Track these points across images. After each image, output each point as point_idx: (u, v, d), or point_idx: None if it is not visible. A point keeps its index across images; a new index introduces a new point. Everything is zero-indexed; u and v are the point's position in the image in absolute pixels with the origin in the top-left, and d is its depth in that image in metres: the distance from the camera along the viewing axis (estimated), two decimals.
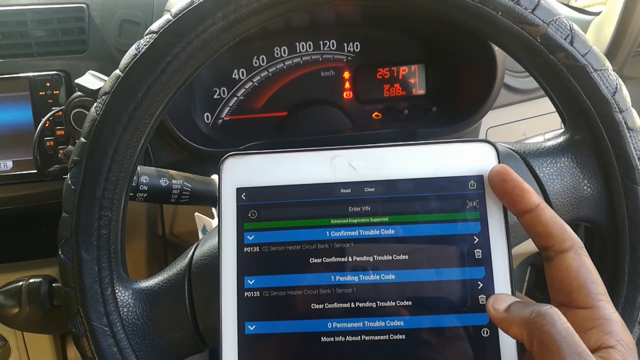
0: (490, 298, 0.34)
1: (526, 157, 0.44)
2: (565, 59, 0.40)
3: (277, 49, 0.81)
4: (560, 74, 0.41)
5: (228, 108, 0.82)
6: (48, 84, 0.71)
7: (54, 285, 0.54)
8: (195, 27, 0.39)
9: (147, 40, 0.40)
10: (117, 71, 0.40)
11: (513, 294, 0.36)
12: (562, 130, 0.45)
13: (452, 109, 0.80)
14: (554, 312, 0.30)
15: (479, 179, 0.37)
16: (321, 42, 0.81)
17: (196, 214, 0.67)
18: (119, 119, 0.39)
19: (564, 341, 0.29)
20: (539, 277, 1.11)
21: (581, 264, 0.34)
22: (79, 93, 0.62)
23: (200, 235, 0.67)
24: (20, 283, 0.54)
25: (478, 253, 0.36)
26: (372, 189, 0.37)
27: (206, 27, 0.39)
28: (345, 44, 0.82)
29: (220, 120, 0.82)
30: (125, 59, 0.40)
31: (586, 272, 0.33)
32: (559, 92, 0.43)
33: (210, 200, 0.58)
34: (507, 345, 0.35)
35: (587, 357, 0.29)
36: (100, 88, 0.56)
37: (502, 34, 0.41)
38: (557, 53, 0.40)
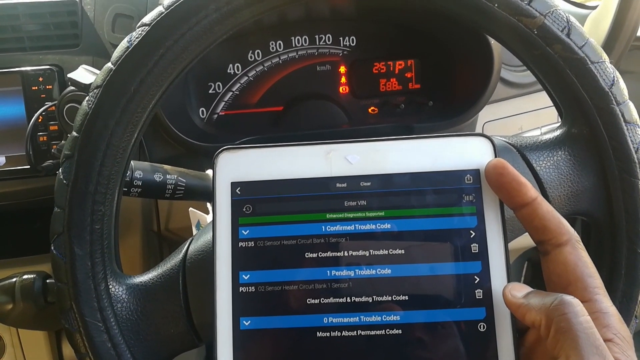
0: (508, 285, 0.34)
1: (523, 150, 0.44)
2: (562, 51, 0.40)
3: (272, 44, 0.80)
4: (557, 67, 0.40)
5: (223, 103, 0.81)
6: (41, 79, 0.71)
7: (47, 281, 0.54)
8: (188, 19, 0.39)
9: (139, 32, 0.39)
10: (109, 64, 0.40)
11: None
12: (559, 123, 0.45)
13: (449, 103, 0.80)
14: (577, 303, 0.30)
15: (476, 173, 0.37)
16: (317, 37, 0.81)
17: (190, 209, 0.66)
18: (111, 112, 0.39)
19: (583, 332, 0.29)
20: (535, 272, 1.11)
21: (578, 257, 0.34)
22: (72, 88, 0.61)
23: (195, 231, 0.67)
24: (14, 279, 0.53)
25: (474, 247, 0.36)
26: (368, 183, 0.37)
27: (199, 19, 0.39)
28: (341, 38, 0.81)
29: (216, 115, 0.81)
30: (117, 52, 0.40)
31: (583, 266, 0.33)
32: (555, 84, 0.42)
33: (205, 195, 0.57)
34: (504, 339, 0.35)
35: (605, 352, 0.28)
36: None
37: (499, 26, 0.40)
38: (553, 45, 0.40)
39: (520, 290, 0.33)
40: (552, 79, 0.42)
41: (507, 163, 0.35)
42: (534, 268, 1.12)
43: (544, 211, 0.34)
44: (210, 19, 0.39)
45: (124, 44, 0.40)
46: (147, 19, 0.39)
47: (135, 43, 0.39)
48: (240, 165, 0.37)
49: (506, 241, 0.36)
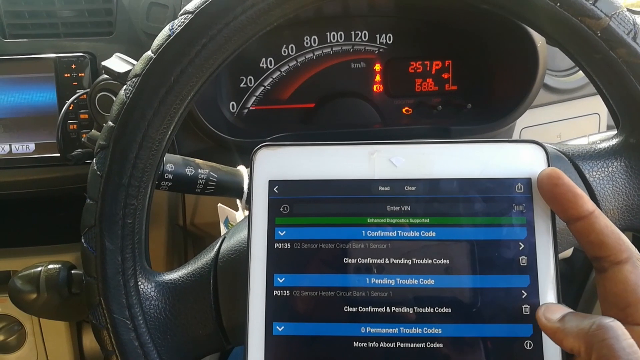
0: (542, 307, 0.32)
1: (575, 159, 0.42)
2: (627, 56, 0.38)
3: (307, 39, 0.79)
4: (619, 72, 0.38)
5: (254, 97, 0.80)
6: (73, 66, 0.70)
7: (72, 272, 0.53)
8: (234, 8, 0.37)
9: (182, 20, 0.38)
10: (149, 52, 0.38)
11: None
12: (615, 132, 0.43)
13: (488, 107, 0.78)
14: (617, 326, 0.28)
15: (527, 182, 0.35)
16: (353, 33, 0.79)
17: (219, 205, 0.65)
18: (149, 103, 0.38)
19: (627, 358, 0.27)
20: (561, 285, 1.08)
21: (639, 277, 0.31)
22: (104, 76, 0.61)
23: (222, 227, 0.66)
24: (39, 269, 0.52)
25: (523, 260, 0.34)
26: (413, 188, 0.35)
27: (245, 8, 0.37)
28: (378, 36, 0.80)
29: (246, 110, 0.80)
30: (158, 40, 0.38)
31: None
32: (615, 91, 0.40)
33: (235, 191, 0.56)
34: (552, 358, 0.33)
35: None
36: (127, 71, 0.54)
37: (559, 26, 0.38)
38: (618, 49, 0.37)
39: (555, 312, 0.31)
40: (612, 85, 0.40)
41: (562, 173, 0.33)
42: (563, 282, 1.09)
43: (601, 225, 0.32)
44: (257, 8, 0.37)
45: (165, 31, 0.38)
46: (190, 6, 0.38)
47: (178, 31, 0.38)
48: (279, 162, 0.36)
49: (557, 255, 0.34)
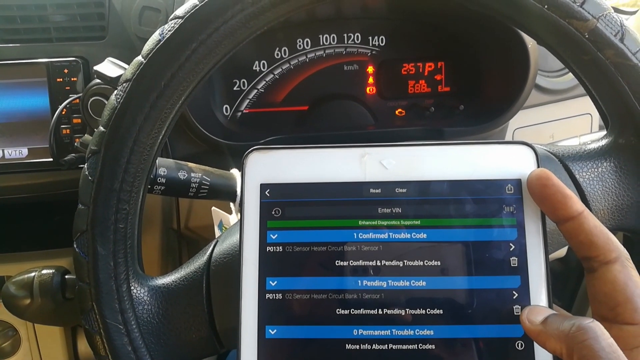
0: (525, 309, 0.32)
1: (565, 160, 0.42)
2: (615, 57, 0.38)
3: (299, 41, 0.79)
4: (608, 73, 0.38)
5: (248, 101, 0.80)
6: (66, 71, 0.70)
7: (66, 277, 0.53)
8: (224, 12, 0.37)
9: (172, 25, 0.38)
10: (140, 57, 0.38)
11: (550, 305, 0.34)
12: (605, 132, 0.43)
13: (480, 108, 0.78)
14: (596, 327, 0.28)
15: (517, 183, 0.35)
16: (345, 35, 0.79)
17: (213, 208, 0.65)
18: (140, 107, 0.38)
19: (607, 358, 0.27)
20: (556, 284, 1.09)
21: (628, 276, 0.32)
22: (97, 80, 0.61)
23: (216, 231, 0.66)
24: (32, 274, 0.52)
25: (514, 261, 0.34)
26: (404, 190, 0.35)
27: (234, 13, 0.37)
28: (370, 38, 0.80)
29: (240, 113, 0.80)
30: (148, 45, 0.38)
31: (633, 286, 0.31)
32: (604, 92, 0.40)
33: (229, 195, 0.56)
34: (543, 359, 0.33)
35: None
36: (119, 76, 0.54)
37: (547, 29, 0.38)
38: (605, 50, 0.38)
39: (538, 314, 0.32)
40: (601, 86, 0.40)
41: (552, 173, 0.33)
42: (555, 279, 1.09)
43: (590, 226, 0.32)
44: (247, 12, 0.37)
45: (155, 36, 0.38)
46: (180, 11, 0.38)
47: (168, 36, 0.38)
48: (270, 166, 0.36)
49: (547, 255, 0.34)
